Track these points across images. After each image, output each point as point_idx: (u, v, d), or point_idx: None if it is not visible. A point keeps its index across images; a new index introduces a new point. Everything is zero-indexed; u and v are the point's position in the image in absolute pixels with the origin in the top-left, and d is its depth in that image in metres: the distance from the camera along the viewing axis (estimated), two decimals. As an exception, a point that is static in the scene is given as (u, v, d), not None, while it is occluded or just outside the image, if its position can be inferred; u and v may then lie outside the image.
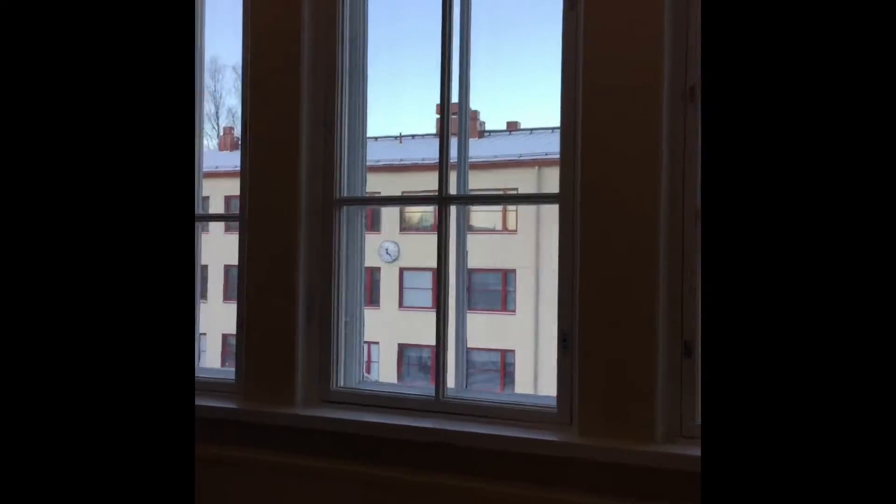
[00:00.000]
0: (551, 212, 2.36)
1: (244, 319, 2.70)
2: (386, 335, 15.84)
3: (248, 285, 2.69)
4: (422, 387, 2.60)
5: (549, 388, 2.29)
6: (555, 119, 2.36)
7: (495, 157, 15.19)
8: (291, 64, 2.62)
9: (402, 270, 16.47)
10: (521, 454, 2.25)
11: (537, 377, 14.37)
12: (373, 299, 17.17)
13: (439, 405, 2.47)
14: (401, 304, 16.31)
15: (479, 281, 16.29)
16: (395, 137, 17.14)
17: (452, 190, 2.55)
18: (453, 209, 2.56)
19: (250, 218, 2.69)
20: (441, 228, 2.53)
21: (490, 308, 16.08)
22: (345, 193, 2.67)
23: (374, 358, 17.17)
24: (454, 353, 2.59)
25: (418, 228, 15.84)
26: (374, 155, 14.85)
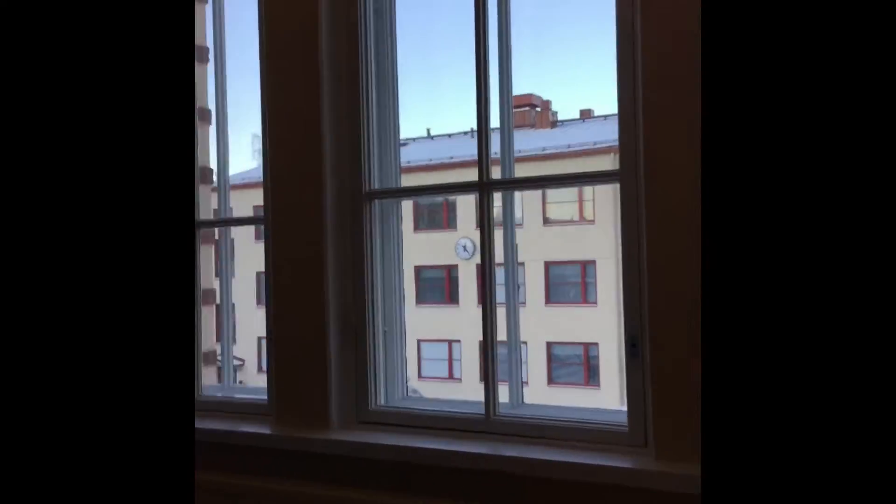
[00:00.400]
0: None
1: (273, 333, 2.42)
2: (467, 333, 15.62)
3: (274, 295, 2.41)
4: (478, 400, 2.27)
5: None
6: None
7: (569, 146, 14.75)
8: (310, 47, 2.32)
9: (478, 267, 16.22)
10: (586, 483, 1.87)
11: (622, 371, 13.89)
12: (452, 297, 17.00)
13: (491, 425, 2.12)
14: (480, 301, 16.08)
15: (557, 273, 15.87)
16: (467, 133, 16.90)
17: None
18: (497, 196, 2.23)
19: (273, 219, 2.41)
20: (483, 217, 2.21)
21: (571, 301, 15.63)
22: (376, 187, 2.36)
23: (455, 356, 17.01)
24: (509, 356, 2.25)
25: (496, 223, 15.59)
26: (447, 152, 14.67)
